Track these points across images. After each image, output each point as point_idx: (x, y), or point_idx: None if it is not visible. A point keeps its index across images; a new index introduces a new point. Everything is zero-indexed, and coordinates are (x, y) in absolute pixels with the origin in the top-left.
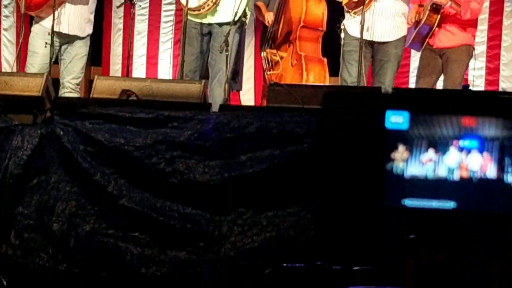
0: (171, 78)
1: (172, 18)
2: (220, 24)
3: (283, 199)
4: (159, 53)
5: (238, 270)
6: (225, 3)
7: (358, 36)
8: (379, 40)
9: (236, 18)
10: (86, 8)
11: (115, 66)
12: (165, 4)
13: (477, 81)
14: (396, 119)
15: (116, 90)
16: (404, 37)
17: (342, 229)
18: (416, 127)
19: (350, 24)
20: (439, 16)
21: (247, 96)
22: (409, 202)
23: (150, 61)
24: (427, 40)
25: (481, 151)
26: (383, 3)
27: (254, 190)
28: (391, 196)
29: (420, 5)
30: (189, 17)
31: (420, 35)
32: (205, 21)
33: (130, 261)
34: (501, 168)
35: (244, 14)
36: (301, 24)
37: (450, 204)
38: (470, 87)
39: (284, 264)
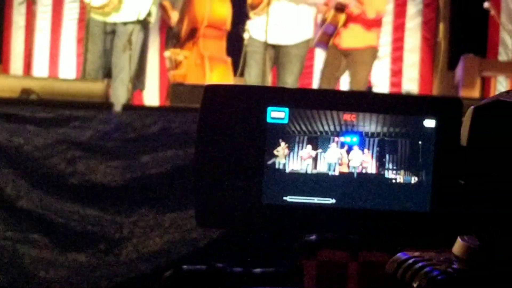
0: (74, 77)
1: (75, 16)
2: (124, 23)
3: (186, 201)
4: (62, 51)
5: (139, 272)
6: (129, 1)
7: (260, 37)
8: (280, 43)
9: (141, 17)
10: None
11: (16, 64)
12: (68, 2)
13: (381, 83)
14: (277, 115)
15: (16, 88)
16: (308, 40)
17: (224, 227)
18: (296, 123)
19: (253, 25)
20: (344, 15)
21: (151, 96)
22: (290, 199)
23: (52, 59)
24: (332, 39)
25: (361, 147)
26: (284, 5)
27: (157, 191)
28: (272, 192)
29: (327, 5)
30: (93, 15)
31: (325, 34)
32: (109, 19)
33: (29, 264)
34: (381, 165)
35: (149, 13)
36: (205, 23)
37: (330, 200)
38: (374, 89)
39: (185, 266)
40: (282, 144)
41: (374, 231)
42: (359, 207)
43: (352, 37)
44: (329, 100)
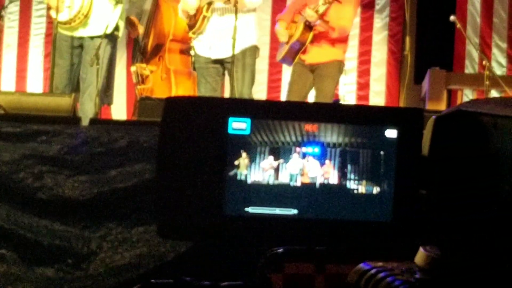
0: (41, 91)
1: (43, 31)
2: (92, 37)
3: (154, 215)
4: (29, 66)
5: (108, 287)
6: (96, 16)
7: (204, 54)
8: (224, 56)
9: (108, 31)
10: None
11: None
12: (35, 16)
13: (348, 96)
14: (239, 126)
15: None
16: (254, 46)
17: (186, 239)
18: (258, 133)
19: (196, 43)
20: (311, 33)
21: (119, 110)
22: (252, 210)
23: (19, 74)
24: (298, 55)
25: (323, 157)
26: (217, 21)
27: (124, 205)
28: (234, 203)
29: (293, 22)
30: (60, 30)
31: (291, 50)
32: (76, 34)
33: None
34: (343, 175)
35: (116, 28)
36: (171, 37)
37: (292, 211)
38: (341, 102)
39: (153, 280)
40: (244, 154)
41: (337, 242)
42: (322, 218)
43: (318, 53)
44: (291, 110)
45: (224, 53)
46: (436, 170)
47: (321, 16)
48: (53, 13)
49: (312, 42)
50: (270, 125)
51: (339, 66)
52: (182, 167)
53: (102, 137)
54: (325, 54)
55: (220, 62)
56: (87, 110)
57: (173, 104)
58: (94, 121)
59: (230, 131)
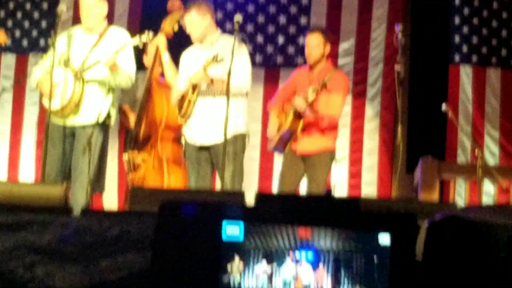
0: (33, 180)
1: (35, 118)
2: (83, 126)
3: None
4: (21, 154)
5: None
6: (87, 104)
7: (191, 141)
8: (210, 143)
9: (100, 120)
10: None
11: None
12: (28, 104)
13: (339, 186)
14: (232, 230)
15: None
16: (242, 134)
17: None
18: (251, 238)
19: (185, 129)
20: (301, 122)
21: (110, 199)
22: None
23: (11, 162)
24: (289, 144)
25: (316, 262)
26: (204, 106)
27: None
28: None
29: (283, 110)
30: (52, 118)
31: (282, 139)
32: (68, 122)
33: None
34: (336, 281)
35: (108, 116)
36: (163, 125)
37: None
38: (333, 192)
39: None
40: (237, 259)
41: None
42: None
43: (309, 142)
44: (284, 213)
45: (210, 140)
46: (430, 276)
47: (311, 105)
48: (45, 102)
49: (302, 130)
50: (263, 230)
51: (330, 155)
52: (175, 273)
53: (93, 226)
54: (316, 143)
55: (207, 148)
56: (78, 199)
57: (168, 209)
58: (85, 211)
59: (224, 237)
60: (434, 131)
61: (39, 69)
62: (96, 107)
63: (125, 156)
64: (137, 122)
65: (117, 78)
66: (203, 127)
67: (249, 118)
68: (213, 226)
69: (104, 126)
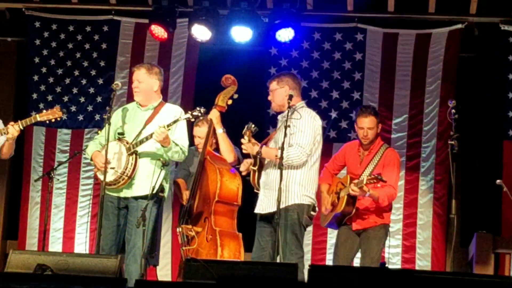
0: (87, 252)
1: (90, 192)
2: (136, 198)
3: None
4: (76, 227)
5: None
6: (140, 177)
7: (256, 210)
8: (267, 212)
9: (154, 192)
10: None
11: (32, 240)
12: (83, 178)
13: (393, 259)
14: None
15: (31, 264)
16: (297, 205)
17: None
18: None
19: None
20: (355, 206)
21: (164, 272)
22: None
23: (66, 235)
24: (343, 221)
25: None
26: (268, 175)
27: None
28: None
29: (331, 184)
30: (106, 191)
31: (336, 219)
32: (121, 195)
33: None
34: None
35: (161, 189)
36: (216, 198)
37: None
38: (387, 265)
39: None
40: None
41: None
42: None
43: (364, 221)
44: (339, 286)
45: (268, 209)
46: None
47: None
48: (99, 175)
49: (357, 211)
50: None
51: (385, 228)
52: None
53: None
54: (371, 220)
55: (267, 219)
56: (132, 271)
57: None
58: (139, 283)
59: None
60: (488, 205)
61: (94, 142)
62: (149, 180)
63: (179, 229)
64: (191, 195)
65: (170, 152)
66: (264, 197)
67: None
68: None
69: (157, 200)
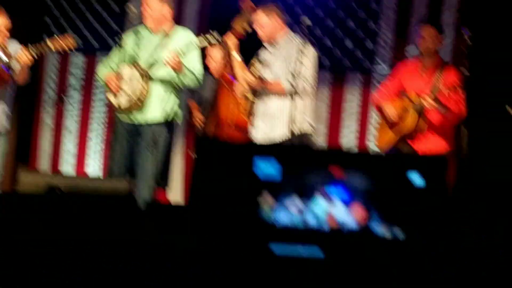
0: (99, 176)
1: (102, 116)
2: (149, 123)
3: None
4: (88, 151)
5: None
6: (153, 102)
7: (257, 140)
8: (274, 142)
9: (166, 118)
10: (5, 104)
11: (43, 162)
12: (95, 101)
13: None
14: (265, 167)
15: (42, 185)
16: (306, 135)
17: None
18: (285, 175)
19: (253, 131)
20: (424, 121)
21: (174, 193)
22: (278, 250)
23: (79, 159)
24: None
25: (349, 201)
26: (268, 105)
27: None
28: (260, 243)
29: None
30: (119, 116)
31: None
32: (134, 119)
33: None
34: (368, 218)
35: (174, 114)
36: (232, 125)
37: (317, 253)
38: None
39: None
40: (270, 195)
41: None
42: (348, 260)
43: (433, 142)
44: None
45: (275, 139)
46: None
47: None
48: (111, 97)
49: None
50: (296, 168)
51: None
52: (214, 207)
53: None
54: (439, 142)
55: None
56: (143, 194)
57: (203, 145)
58: (150, 205)
59: (257, 172)
60: None
61: (105, 65)
62: (162, 105)
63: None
64: (206, 122)
65: (183, 78)
66: (268, 127)
67: (314, 119)
68: (246, 163)
69: (170, 124)
